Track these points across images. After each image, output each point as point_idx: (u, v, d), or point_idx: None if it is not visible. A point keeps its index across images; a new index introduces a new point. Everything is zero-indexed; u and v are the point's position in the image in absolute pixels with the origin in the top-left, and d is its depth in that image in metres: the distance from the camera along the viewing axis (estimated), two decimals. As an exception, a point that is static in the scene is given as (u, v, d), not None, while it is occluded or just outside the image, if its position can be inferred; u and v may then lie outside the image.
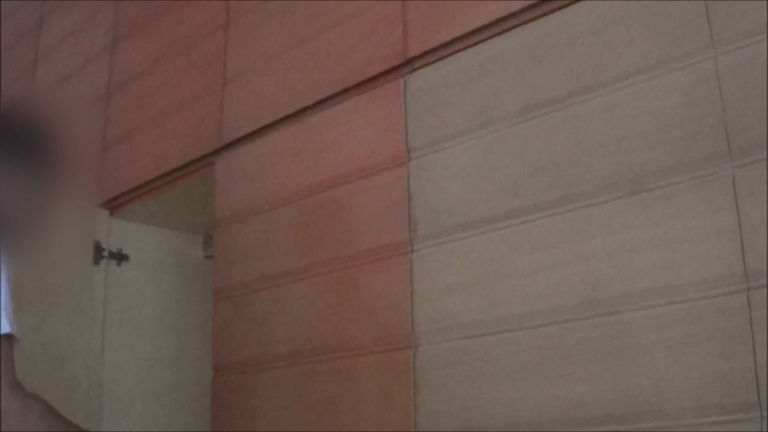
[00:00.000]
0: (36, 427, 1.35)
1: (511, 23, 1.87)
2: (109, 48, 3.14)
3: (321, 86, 2.27)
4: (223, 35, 2.63)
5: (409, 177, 2.00)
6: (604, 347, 1.60)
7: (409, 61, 2.06)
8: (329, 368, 2.07)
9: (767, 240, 1.43)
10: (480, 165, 1.87)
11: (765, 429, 1.38)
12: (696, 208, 1.53)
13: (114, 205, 2.92)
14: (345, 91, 2.20)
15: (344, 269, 2.09)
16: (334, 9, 2.28)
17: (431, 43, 2.01)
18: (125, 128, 2.96)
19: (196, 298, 2.95)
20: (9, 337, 1.35)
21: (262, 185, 2.38)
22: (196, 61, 2.72)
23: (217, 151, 2.55)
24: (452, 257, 1.88)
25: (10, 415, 1.32)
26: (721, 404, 1.44)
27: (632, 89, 1.65)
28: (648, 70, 1.64)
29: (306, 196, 2.24)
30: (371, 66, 2.14)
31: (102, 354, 2.82)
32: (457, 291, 1.85)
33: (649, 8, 1.66)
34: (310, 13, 2.35)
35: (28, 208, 1.53)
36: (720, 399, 1.44)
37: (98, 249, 2.86)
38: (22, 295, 1.43)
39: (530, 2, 1.83)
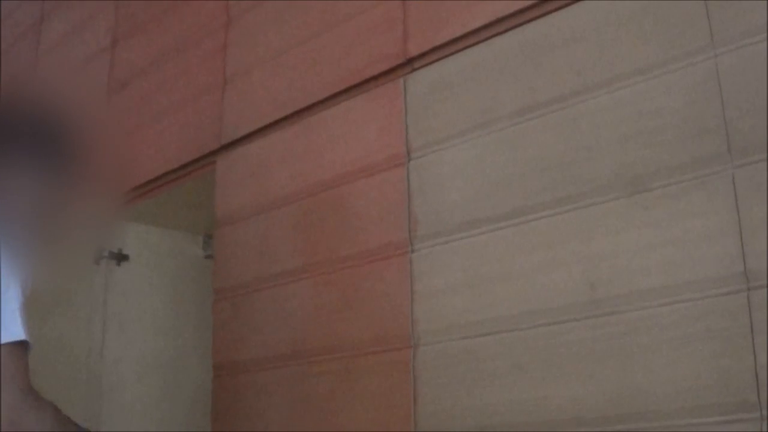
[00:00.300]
0: (51, 429, 1.35)
1: (511, 23, 1.87)
2: (109, 47, 3.14)
3: (321, 86, 2.27)
4: (224, 35, 2.63)
5: (409, 177, 2.00)
6: (604, 347, 1.60)
7: (409, 61, 2.06)
8: (329, 368, 2.07)
9: (767, 240, 1.43)
10: (480, 165, 1.87)
11: (765, 429, 1.38)
12: (696, 208, 1.53)
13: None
14: (345, 91, 2.20)
15: (344, 269, 2.09)
16: (334, 9, 2.28)
17: (431, 43, 2.01)
18: (125, 128, 2.96)
19: (196, 298, 2.95)
20: (22, 344, 1.35)
21: (263, 185, 2.38)
22: (196, 60, 2.72)
23: (217, 151, 2.55)
24: (452, 257, 1.88)
25: (24, 420, 1.31)
26: (721, 404, 1.44)
27: (632, 89, 1.65)
28: (648, 70, 1.64)
29: (306, 196, 2.24)
30: (371, 66, 2.14)
31: (102, 354, 2.82)
32: (457, 291, 1.85)
33: (649, 8, 1.66)
34: (310, 12, 2.35)
35: (43, 211, 1.52)
36: (720, 399, 1.44)
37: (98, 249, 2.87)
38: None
39: (530, 2, 1.83)
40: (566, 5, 1.79)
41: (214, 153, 2.56)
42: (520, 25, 1.85)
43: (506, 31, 1.88)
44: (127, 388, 2.85)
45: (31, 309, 1.39)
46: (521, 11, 1.85)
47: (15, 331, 1.33)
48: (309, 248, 2.20)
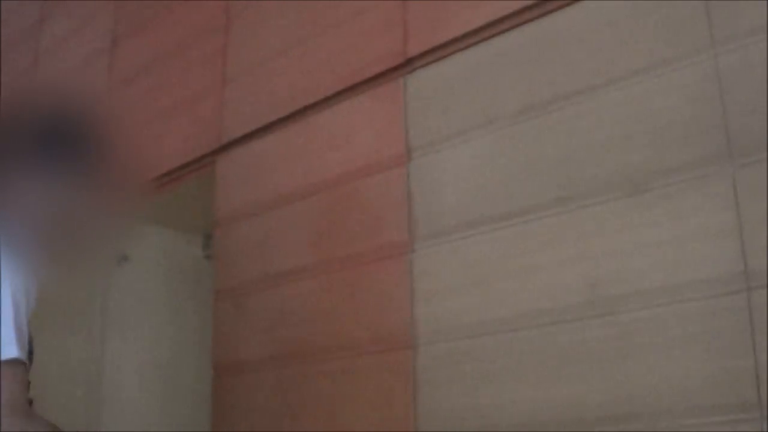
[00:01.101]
0: None
1: (511, 23, 1.87)
2: (108, 48, 3.14)
3: (321, 86, 2.27)
4: (223, 35, 2.63)
5: (409, 177, 2.00)
6: (603, 347, 1.60)
7: (409, 60, 2.06)
8: (329, 368, 2.06)
9: (767, 240, 1.43)
10: (480, 165, 1.87)
11: (765, 429, 1.38)
12: (696, 208, 1.53)
13: (114, 205, 2.92)
14: (345, 91, 2.20)
15: (344, 269, 2.09)
16: (334, 9, 2.28)
17: (431, 42, 2.01)
18: (125, 128, 2.95)
19: (196, 298, 2.95)
20: (19, 363, 1.33)
21: (262, 185, 2.38)
22: (196, 60, 2.72)
23: (217, 151, 2.55)
24: (452, 257, 1.88)
25: None
26: (721, 404, 1.44)
27: (632, 89, 1.65)
28: (648, 70, 1.64)
29: (306, 196, 2.24)
30: (371, 66, 2.14)
31: (101, 354, 2.82)
32: (457, 291, 1.85)
33: (649, 8, 1.66)
34: (310, 12, 2.35)
35: (56, 217, 1.50)
36: (720, 399, 1.44)
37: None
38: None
39: (530, 2, 1.83)
40: (566, 5, 1.79)
41: (214, 153, 2.56)
42: (520, 24, 1.85)
43: (506, 30, 1.88)
44: (127, 388, 2.85)
45: (38, 317, 1.38)
46: (521, 11, 1.85)
47: (13, 349, 1.31)
48: (309, 248, 2.20)
